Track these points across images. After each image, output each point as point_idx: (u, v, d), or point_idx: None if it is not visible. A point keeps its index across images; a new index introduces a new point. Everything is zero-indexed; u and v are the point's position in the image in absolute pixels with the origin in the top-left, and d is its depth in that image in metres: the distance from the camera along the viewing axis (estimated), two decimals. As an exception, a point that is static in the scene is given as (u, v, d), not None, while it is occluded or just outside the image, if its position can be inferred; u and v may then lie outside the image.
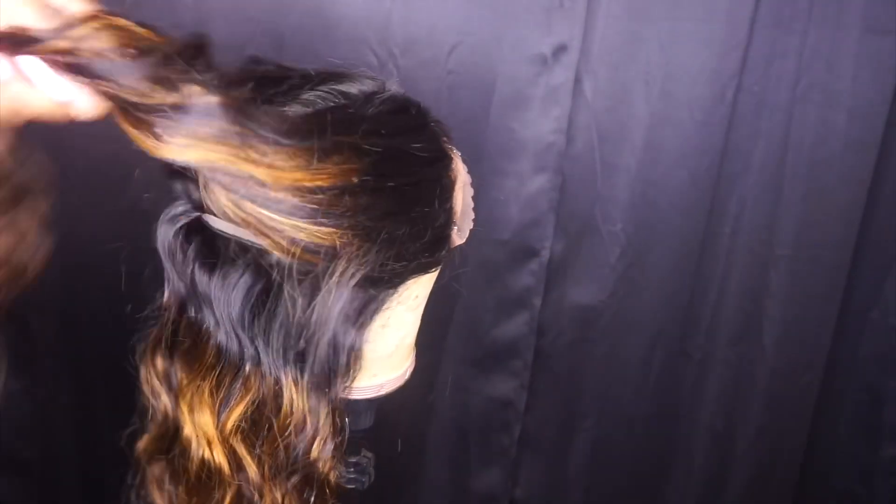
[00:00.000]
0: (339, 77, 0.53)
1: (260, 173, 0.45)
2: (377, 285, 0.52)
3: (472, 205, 0.61)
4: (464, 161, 0.59)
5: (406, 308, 0.58)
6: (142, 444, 0.59)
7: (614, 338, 1.07)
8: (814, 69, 0.94)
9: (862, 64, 0.93)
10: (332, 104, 0.50)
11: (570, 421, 1.13)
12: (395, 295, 0.55)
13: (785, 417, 1.11)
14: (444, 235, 0.56)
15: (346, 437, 0.58)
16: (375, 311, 0.53)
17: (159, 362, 0.56)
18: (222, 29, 0.88)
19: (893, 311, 1.05)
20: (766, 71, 0.94)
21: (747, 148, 0.98)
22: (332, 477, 0.56)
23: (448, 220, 0.56)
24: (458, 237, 0.58)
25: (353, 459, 0.71)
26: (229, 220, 0.48)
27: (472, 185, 0.61)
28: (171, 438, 0.56)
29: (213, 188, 0.48)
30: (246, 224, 0.47)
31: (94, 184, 0.96)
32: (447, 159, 0.56)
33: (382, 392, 0.64)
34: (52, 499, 1.11)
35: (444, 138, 0.57)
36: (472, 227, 0.61)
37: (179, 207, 0.52)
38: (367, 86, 0.53)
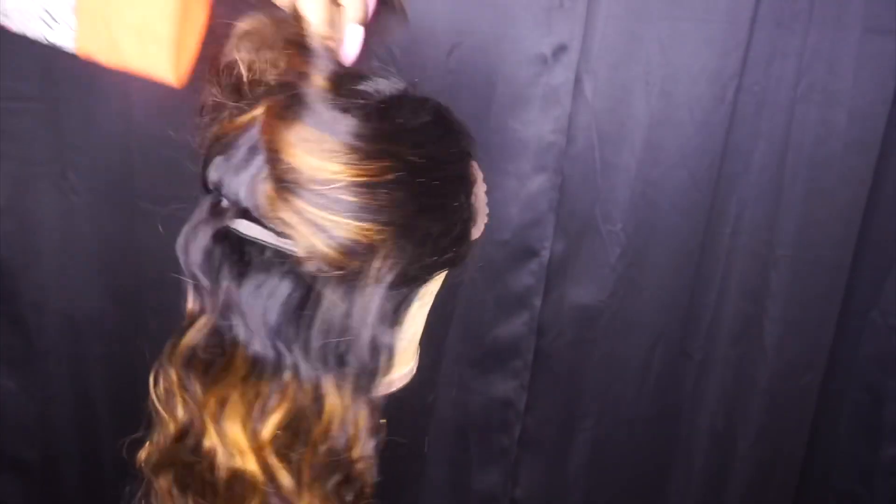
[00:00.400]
0: (365, 76, 0.54)
1: (306, 161, 0.46)
2: (410, 282, 0.53)
3: (486, 200, 0.62)
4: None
5: (421, 304, 0.59)
6: (147, 454, 0.58)
7: (614, 338, 1.07)
8: (814, 69, 0.94)
9: (862, 64, 0.93)
10: (369, 103, 0.51)
11: (570, 421, 1.13)
12: (420, 291, 0.55)
13: (785, 417, 1.11)
14: (468, 230, 0.57)
15: (384, 434, 0.58)
16: (407, 309, 0.54)
17: (178, 373, 0.54)
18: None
19: (893, 311, 1.05)
20: (766, 71, 0.94)
21: (747, 148, 0.98)
22: (370, 476, 0.56)
23: (471, 215, 0.57)
24: (475, 231, 0.60)
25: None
26: (274, 217, 0.48)
27: (487, 181, 0.62)
28: (185, 449, 0.55)
29: (266, 184, 0.48)
30: (287, 224, 0.48)
31: (95, 184, 0.96)
32: (469, 156, 0.57)
33: (392, 388, 0.64)
34: (52, 499, 1.11)
35: (461, 130, 0.58)
36: (486, 221, 0.62)
37: (206, 216, 0.52)
38: (396, 85, 0.55)
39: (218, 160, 0.51)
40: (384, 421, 0.56)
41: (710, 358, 1.09)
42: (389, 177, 0.48)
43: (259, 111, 0.50)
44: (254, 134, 0.50)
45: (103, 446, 1.08)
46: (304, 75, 0.49)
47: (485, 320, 1.06)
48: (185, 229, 0.52)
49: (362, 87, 0.52)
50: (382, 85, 0.53)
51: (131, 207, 0.97)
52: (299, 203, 0.47)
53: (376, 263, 0.49)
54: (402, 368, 0.64)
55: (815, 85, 0.94)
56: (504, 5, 0.91)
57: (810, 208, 1.00)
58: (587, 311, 1.06)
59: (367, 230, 0.48)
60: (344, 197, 0.47)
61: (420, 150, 0.51)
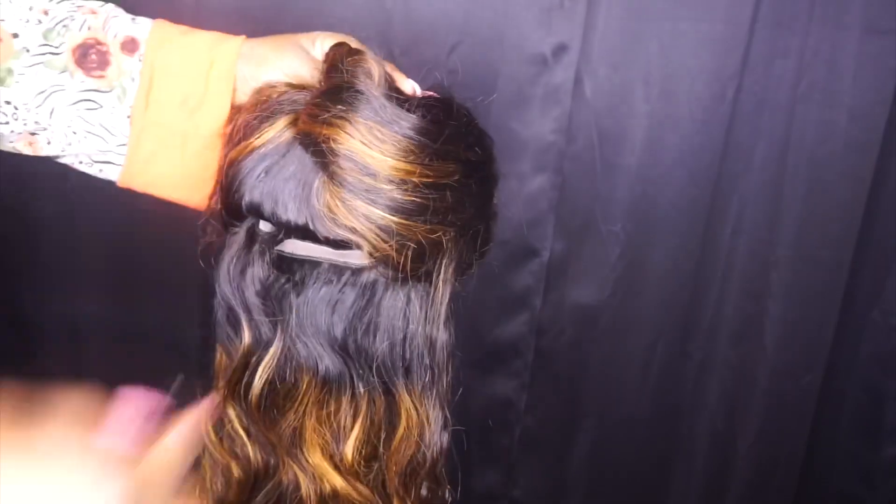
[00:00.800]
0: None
1: (374, 160, 0.46)
2: (457, 281, 0.53)
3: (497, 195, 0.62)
4: None
5: None
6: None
7: (614, 338, 1.07)
8: (814, 69, 0.94)
9: (862, 64, 0.93)
10: (423, 103, 0.51)
11: (570, 421, 1.13)
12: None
13: (785, 417, 1.11)
14: (495, 228, 0.57)
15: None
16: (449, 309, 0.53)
17: (239, 412, 0.51)
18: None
19: (893, 311, 1.05)
20: (766, 71, 0.94)
21: (748, 148, 0.98)
22: (444, 470, 0.56)
23: (497, 214, 0.57)
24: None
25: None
26: (339, 227, 0.47)
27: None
28: (259, 491, 0.53)
29: (324, 195, 0.47)
30: (355, 232, 0.47)
31: (95, 184, 0.96)
32: (492, 153, 0.57)
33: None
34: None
35: (485, 132, 0.58)
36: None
37: (246, 243, 0.49)
38: (427, 91, 0.55)
39: (250, 181, 0.48)
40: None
41: (711, 358, 1.09)
42: (455, 177, 0.48)
43: (295, 116, 0.49)
44: (294, 143, 0.48)
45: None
46: (354, 78, 0.49)
47: (485, 320, 1.06)
48: (227, 263, 0.49)
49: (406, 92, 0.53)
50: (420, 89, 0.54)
51: (131, 208, 0.97)
52: (366, 207, 0.46)
53: (443, 264, 0.49)
54: None
55: (815, 85, 0.94)
56: (504, 5, 0.91)
57: (810, 208, 0.99)
58: (587, 311, 1.06)
59: (436, 232, 0.48)
60: (413, 198, 0.47)
61: (472, 150, 0.51)
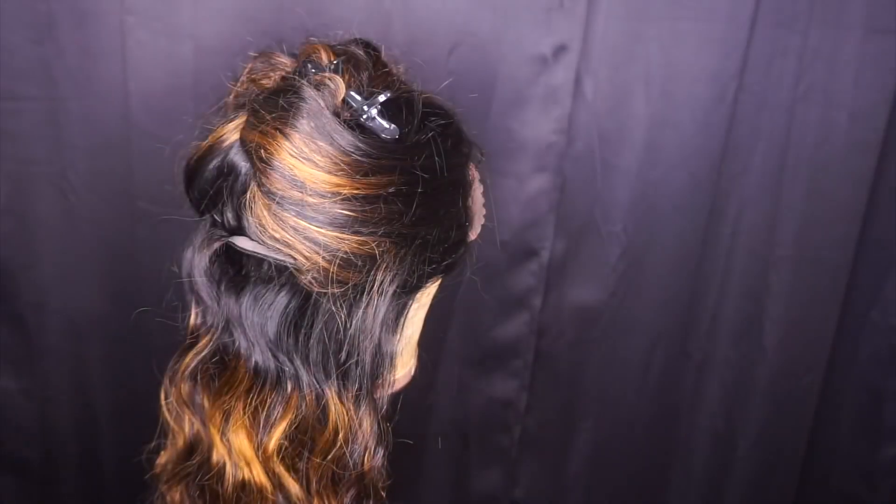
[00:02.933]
0: (376, 90, 0.53)
1: (302, 172, 0.45)
2: (409, 290, 0.52)
3: (482, 201, 0.61)
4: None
5: (420, 305, 0.59)
6: (160, 465, 0.59)
7: (614, 338, 1.07)
8: (814, 69, 0.94)
9: (863, 64, 0.93)
10: (375, 117, 0.50)
11: (570, 421, 1.13)
12: (417, 295, 0.55)
13: (786, 417, 1.11)
14: (464, 235, 0.56)
15: (392, 442, 0.58)
16: (406, 314, 0.53)
17: (185, 386, 0.55)
18: (222, 29, 0.88)
19: (893, 311, 1.05)
20: (766, 71, 0.94)
21: (747, 148, 0.98)
22: (380, 483, 0.56)
23: (468, 219, 0.56)
24: (472, 234, 0.59)
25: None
26: (268, 238, 0.48)
27: (486, 182, 0.62)
28: (194, 463, 0.56)
29: (256, 204, 0.48)
30: (284, 243, 0.47)
31: (95, 184, 0.96)
32: (465, 158, 0.56)
33: (391, 390, 0.64)
34: (52, 499, 1.11)
35: (466, 135, 0.57)
36: (483, 223, 0.61)
37: (207, 233, 0.52)
38: (407, 95, 0.53)
39: (199, 180, 0.50)
40: (389, 426, 0.57)
41: (711, 358, 1.09)
42: (391, 189, 0.48)
43: (241, 121, 0.49)
44: (238, 147, 0.49)
45: (103, 447, 1.08)
46: (298, 85, 0.48)
47: (485, 320, 1.06)
48: (187, 250, 0.52)
49: (371, 99, 0.51)
50: (392, 98, 0.52)
51: (131, 207, 0.97)
52: (294, 220, 0.47)
53: (377, 275, 0.49)
54: (401, 370, 0.64)
55: (815, 85, 0.94)
56: (504, 5, 0.91)
57: (810, 208, 0.99)
58: (587, 311, 1.06)
59: (366, 243, 0.48)
60: (342, 211, 0.46)
61: (423, 163, 0.50)
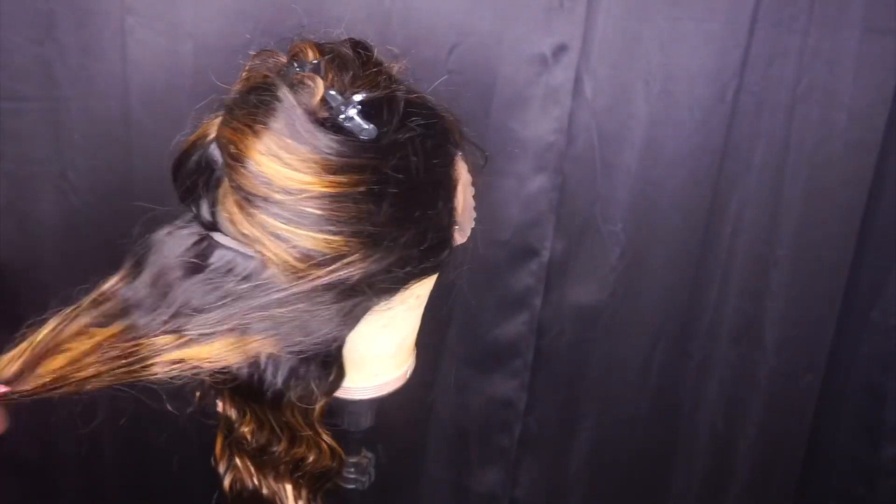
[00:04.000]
0: (358, 86, 0.52)
1: (270, 170, 0.46)
2: (381, 293, 0.52)
3: (473, 203, 0.60)
4: (464, 159, 0.59)
5: (407, 308, 0.58)
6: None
7: (614, 338, 1.07)
8: (814, 69, 0.94)
9: (862, 64, 0.93)
10: (350, 115, 0.50)
11: (570, 421, 1.13)
12: (398, 297, 0.55)
13: (785, 417, 1.11)
14: (446, 237, 0.55)
15: (352, 438, 0.59)
16: (362, 316, 0.53)
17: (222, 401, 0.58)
18: (222, 29, 0.88)
19: (893, 311, 1.05)
20: (766, 71, 0.94)
21: (747, 148, 0.98)
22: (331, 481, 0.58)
23: (450, 222, 0.55)
24: (460, 236, 0.58)
25: (352, 459, 0.71)
26: (238, 233, 0.48)
27: (477, 183, 0.61)
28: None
29: (228, 200, 0.49)
30: (253, 239, 0.48)
31: (95, 184, 0.96)
32: (449, 159, 0.55)
33: (384, 392, 0.64)
34: (52, 499, 1.11)
35: (453, 136, 0.56)
36: (473, 225, 0.61)
37: (187, 226, 0.52)
38: (392, 92, 0.52)
39: (181, 173, 0.51)
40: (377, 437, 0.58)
41: (711, 358, 1.09)
42: (361, 189, 0.47)
43: (219, 119, 0.50)
44: (215, 143, 0.50)
45: (103, 446, 1.08)
46: (271, 83, 0.49)
47: (485, 320, 1.06)
48: (165, 237, 0.52)
49: (349, 99, 0.51)
50: (373, 98, 0.52)
51: (131, 208, 0.97)
52: (262, 216, 0.47)
53: (347, 273, 0.48)
54: (396, 372, 0.64)
55: (815, 85, 0.94)
56: (504, 5, 0.91)
57: (810, 208, 0.99)
58: (587, 311, 1.06)
59: (334, 242, 0.47)
60: (310, 209, 0.46)
61: (398, 163, 0.49)
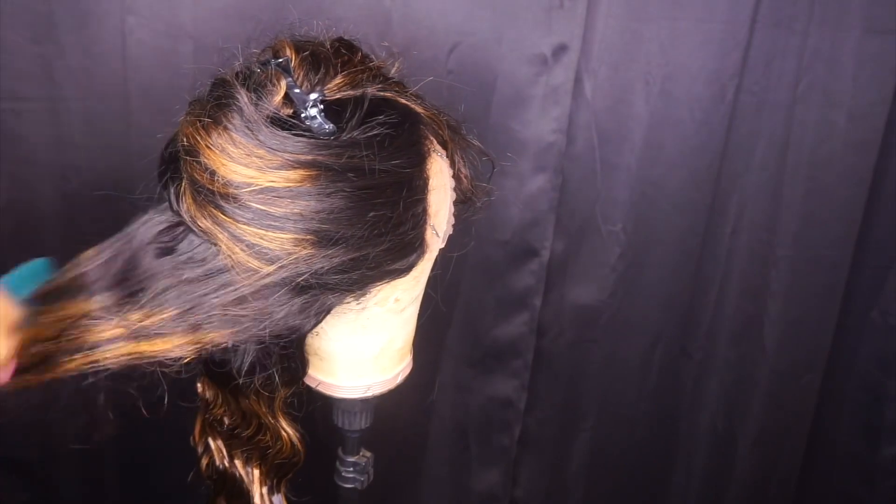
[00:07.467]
0: (328, 81, 0.53)
1: (216, 163, 0.47)
2: (338, 293, 0.51)
3: (452, 208, 0.59)
4: (447, 160, 0.58)
5: (386, 311, 0.57)
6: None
7: (614, 338, 1.07)
8: (814, 69, 0.94)
9: (862, 64, 0.93)
10: (308, 114, 0.50)
11: (570, 421, 1.13)
12: (367, 298, 0.54)
13: (785, 417, 1.11)
14: (409, 240, 0.53)
15: (350, 438, 0.60)
16: (324, 314, 0.52)
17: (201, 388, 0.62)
18: (222, 29, 0.88)
19: (893, 311, 1.05)
20: (766, 71, 0.94)
21: (747, 148, 0.98)
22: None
23: (417, 225, 0.53)
24: (436, 241, 0.56)
25: (351, 459, 0.71)
26: (195, 225, 0.49)
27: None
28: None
29: (186, 193, 0.50)
30: (207, 231, 0.49)
31: (96, 184, 0.96)
32: (418, 159, 0.53)
33: (369, 394, 0.63)
34: (52, 499, 1.11)
35: (427, 136, 0.55)
36: (451, 232, 0.59)
37: (163, 214, 0.53)
38: (363, 90, 0.52)
39: (162, 164, 0.53)
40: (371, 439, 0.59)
41: (710, 358, 1.09)
42: (307, 185, 0.47)
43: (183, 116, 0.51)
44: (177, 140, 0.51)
45: (103, 446, 1.08)
46: (228, 81, 0.50)
47: (485, 320, 1.06)
48: (145, 223, 0.53)
49: (310, 98, 0.50)
50: (339, 98, 0.51)
51: (131, 207, 0.97)
52: (212, 210, 0.48)
53: (287, 270, 0.48)
54: (383, 375, 0.63)
55: (815, 85, 0.95)
56: (504, 5, 0.91)
57: (810, 208, 1.00)
58: (587, 311, 1.06)
59: (279, 238, 0.47)
60: (256, 204, 0.47)
61: (352, 161, 0.48)
